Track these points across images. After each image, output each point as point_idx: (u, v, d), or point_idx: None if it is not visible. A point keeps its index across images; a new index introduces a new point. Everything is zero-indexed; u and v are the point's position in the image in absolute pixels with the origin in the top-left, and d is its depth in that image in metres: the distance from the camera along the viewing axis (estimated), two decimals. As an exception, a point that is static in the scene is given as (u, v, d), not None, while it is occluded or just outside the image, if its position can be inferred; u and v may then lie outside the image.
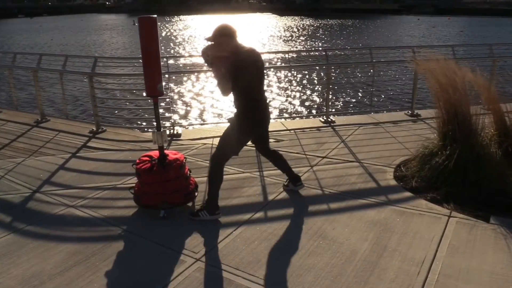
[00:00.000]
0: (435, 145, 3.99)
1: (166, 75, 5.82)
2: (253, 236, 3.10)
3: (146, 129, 7.15)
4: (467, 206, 3.41)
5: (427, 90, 9.68)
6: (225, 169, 3.35)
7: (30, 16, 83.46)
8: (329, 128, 5.78)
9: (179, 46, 28.98)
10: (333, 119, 6.14)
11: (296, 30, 43.29)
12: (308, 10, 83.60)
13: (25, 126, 6.12)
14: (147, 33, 3.19)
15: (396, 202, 3.56)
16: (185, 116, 10.52)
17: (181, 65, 15.57)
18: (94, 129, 5.86)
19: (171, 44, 30.52)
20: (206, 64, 3.30)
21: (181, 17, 75.15)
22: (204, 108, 11.23)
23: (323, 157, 4.63)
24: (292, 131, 5.60)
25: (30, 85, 8.11)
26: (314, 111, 10.59)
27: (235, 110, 3.27)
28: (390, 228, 3.15)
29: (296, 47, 28.15)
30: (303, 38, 34.09)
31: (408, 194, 3.71)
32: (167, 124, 6.14)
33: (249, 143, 3.50)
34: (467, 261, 2.74)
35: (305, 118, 7.38)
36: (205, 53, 3.20)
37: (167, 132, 5.66)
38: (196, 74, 11.75)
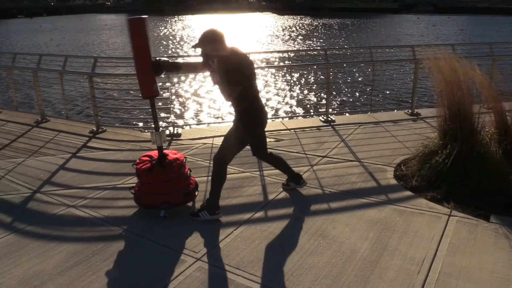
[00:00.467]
0: (435, 144, 3.98)
1: (167, 75, 5.81)
2: (253, 236, 3.10)
3: (146, 129, 7.15)
4: (467, 205, 3.41)
5: (427, 89, 9.69)
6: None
7: (30, 16, 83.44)
8: (329, 127, 5.78)
9: (179, 46, 28.98)
10: (333, 119, 6.14)
11: (295, 29, 43.28)
12: (307, 9, 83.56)
13: (25, 126, 6.12)
14: (137, 34, 3.13)
15: (396, 201, 3.56)
16: (185, 116, 10.52)
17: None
18: (94, 129, 5.86)
19: (171, 43, 30.51)
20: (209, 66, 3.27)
21: (181, 16, 75.11)
22: (204, 107, 11.23)
23: (323, 157, 4.63)
24: (292, 130, 5.60)
25: (30, 86, 8.09)
26: (314, 111, 10.59)
27: (234, 110, 3.28)
28: (390, 227, 3.15)
29: (296, 47, 28.15)
30: (303, 38, 34.08)
31: (408, 193, 3.71)
32: (167, 124, 6.14)
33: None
34: (468, 260, 2.74)
35: (305, 117, 7.38)
36: (210, 61, 3.17)
37: (167, 132, 5.67)
38: (196, 73, 11.73)
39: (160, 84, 3.85)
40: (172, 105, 6.02)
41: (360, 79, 12.02)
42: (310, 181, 4.00)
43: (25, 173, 4.36)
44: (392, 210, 3.41)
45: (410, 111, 6.42)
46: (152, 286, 2.59)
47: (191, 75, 14.37)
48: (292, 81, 13.20)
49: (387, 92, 11.51)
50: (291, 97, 11.50)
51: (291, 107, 9.90)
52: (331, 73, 6.40)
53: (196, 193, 3.59)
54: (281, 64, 13.20)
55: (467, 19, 55.47)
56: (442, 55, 4.05)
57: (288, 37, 34.92)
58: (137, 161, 3.47)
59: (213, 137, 5.40)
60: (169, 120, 6.09)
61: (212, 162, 3.37)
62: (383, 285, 2.52)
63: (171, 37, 35.54)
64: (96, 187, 4.01)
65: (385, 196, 3.66)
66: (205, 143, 5.21)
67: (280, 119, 7.27)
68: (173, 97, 5.89)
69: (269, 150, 3.71)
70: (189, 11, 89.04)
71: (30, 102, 10.06)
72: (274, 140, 5.16)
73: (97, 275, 2.69)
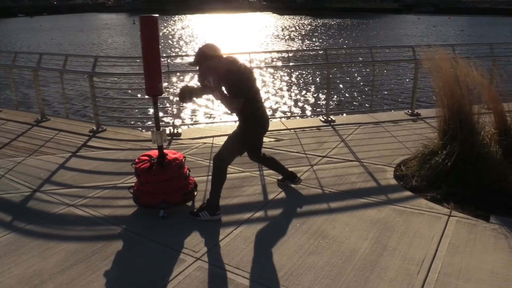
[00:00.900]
0: (435, 144, 3.99)
1: (167, 74, 5.81)
2: (253, 235, 3.10)
3: (146, 129, 7.15)
4: (467, 205, 3.41)
5: (427, 89, 9.69)
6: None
7: (30, 15, 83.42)
8: (329, 127, 5.78)
9: (179, 46, 28.97)
10: (333, 118, 6.14)
11: (296, 29, 43.27)
12: (308, 9, 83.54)
13: (26, 125, 6.12)
14: (148, 32, 3.19)
15: (396, 202, 3.56)
16: (185, 116, 10.51)
17: (181, 64, 15.56)
18: (94, 128, 5.86)
19: (171, 43, 30.51)
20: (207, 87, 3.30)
21: (181, 16, 75.11)
22: (204, 107, 11.22)
23: (323, 157, 4.63)
24: (292, 130, 5.60)
25: (30, 85, 8.10)
26: (314, 111, 10.59)
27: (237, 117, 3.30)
28: (390, 227, 3.15)
29: (296, 46, 28.15)
30: (303, 37, 34.08)
31: (408, 193, 3.71)
32: (167, 123, 6.14)
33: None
34: (467, 260, 2.74)
35: (305, 117, 7.38)
36: (207, 82, 3.20)
37: (167, 131, 5.67)
38: (196, 73, 11.72)
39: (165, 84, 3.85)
40: (172, 105, 6.02)
41: (360, 79, 12.01)
42: (310, 181, 4.00)
43: (25, 172, 4.36)
44: (392, 210, 3.41)
45: (410, 111, 6.41)
46: (151, 285, 2.59)
47: (191, 75, 14.36)
48: (292, 81, 13.20)
49: (387, 92, 11.50)
50: (291, 97, 11.50)
51: (291, 107, 9.89)
52: (331, 73, 6.39)
53: (195, 192, 3.59)
54: (281, 64, 13.21)
55: (467, 19, 55.48)
56: (441, 55, 4.05)
57: (289, 37, 34.92)
58: (136, 160, 3.47)
59: (213, 136, 5.40)
60: (169, 119, 6.09)
61: (212, 162, 3.38)
62: (383, 285, 2.53)
63: (170, 37, 35.53)
64: (96, 186, 4.01)
65: (385, 196, 3.66)
66: (205, 143, 5.21)
67: (280, 119, 7.29)
68: (173, 96, 5.88)
69: (262, 151, 3.72)
70: (189, 11, 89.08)
71: (30, 101, 10.07)
72: (274, 140, 5.16)
73: (97, 274, 2.69)
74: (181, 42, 31.12)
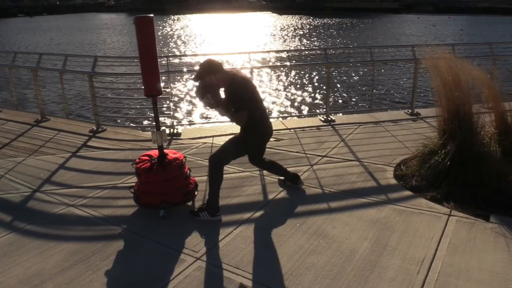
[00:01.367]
0: (435, 143, 3.99)
1: (166, 74, 5.81)
2: (253, 235, 3.10)
3: (146, 128, 7.15)
4: (467, 205, 3.41)
5: (427, 89, 9.69)
6: (225, 168, 3.36)
7: (30, 15, 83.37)
8: (329, 127, 5.78)
9: (179, 45, 28.97)
10: (333, 118, 6.14)
11: (296, 29, 43.26)
12: (308, 9, 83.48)
13: (25, 125, 6.12)
14: (144, 33, 3.18)
15: (396, 201, 3.56)
16: (185, 115, 10.51)
17: (181, 64, 15.56)
18: (94, 128, 5.86)
19: (171, 43, 30.50)
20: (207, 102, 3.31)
21: (181, 16, 75.09)
22: (204, 107, 11.21)
23: (323, 156, 4.63)
24: (292, 130, 5.60)
25: (30, 85, 8.09)
26: (314, 110, 10.58)
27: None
28: (390, 227, 3.16)
29: (296, 46, 28.14)
30: (303, 37, 34.07)
31: (408, 193, 3.71)
32: (167, 123, 6.14)
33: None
34: (467, 259, 2.74)
35: (305, 117, 7.38)
36: (206, 98, 3.22)
37: (167, 131, 5.66)
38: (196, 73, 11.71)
39: (162, 84, 3.86)
40: (172, 105, 6.02)
41: (359, 78, 12.02)
42: (310, 180, 4.00)
43: (25, 172, 4.36)
44: (391, 210, 3.42)
45: (410, 110, 6.42)
46: (151, 285, 2.59)
47: (192, 74, 14.36)
48: (292, 81, 13.21)
49: (387, 91, 11.51)
50: (291, 96, 11.50)
51: (291, 106, 9.90)
52: (331, 73, 6.39)
53: (196, 192, 3.59)
54: (282, 63, 13.19)
55: (467, 19, 55.45)
56: (440, 55, 4.05)
57: (288, 36, 34.91)
58: (137, 160, 3.47)
59: (213, 136, 5.40)
60: (169, 119, 6.09)
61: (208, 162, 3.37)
62: (383, 285, 2.53)
63: (168, 37, 35.51)
64: (96, 186, 4.02)
65: (385, 196, 3.66)
66: (205, 143, 5.21)
67: (280, 119, 7.28)
68: (174, 96, 5.88)
69: (265, 154, 3.73)
70: (189, 10, 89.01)
71: (30, 101, 10.06)
72: (274, 140, 5.16)
73: (97, 274, 2.69)
74: (182, 42, 31.12)
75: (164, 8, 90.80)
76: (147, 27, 3.18)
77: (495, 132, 3.97)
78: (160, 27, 46.81)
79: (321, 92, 12.23)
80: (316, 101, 11.58)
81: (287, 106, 11.01)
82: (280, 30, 42.06)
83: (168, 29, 45.59)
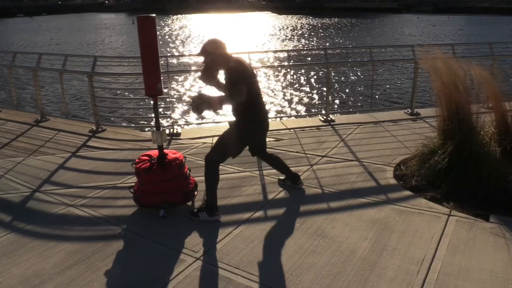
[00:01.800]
0: (435, 143, 3.99)
1: (166, 74, 5.81)
2: (252, 235, 3.10)
3: (146, 128, 7.14)
4: (467, 204, 3.41)
5: (427, 88, 9.69)
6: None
7: (30, 15, 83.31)
8: (329, 127, 5.78)
9: (179, 45, 28.96)
10: (333, 118, 6.14)
11: (295, 28, 43.24)
12: (308, 9, 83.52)
13: (25, 125, 6.12)
14: (146, 32, 3.20)
15: (396, 201, 3.56)
16: (185, 115, 10.50)
17: (181, 64, 15.57)
18: (94, 128, 5.86)
19: (171, 43, 30.49)
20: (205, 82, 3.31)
21: (181, 16, 75.07)
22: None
23: (323, 156, 4.63)
24: (292, 130, 5.60)
25: (29, 85, 8.09)
26: (313, 110, 10.58)
27: (235, 117, 3.28)
28: (390, 227, 3.16)
29: (296, 46, 28.13)
30: (303, 37, 34.07)
31: (408, 193, 3.71)
32: (167, 123, 6.14)
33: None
34: (467, 259, 2.74)
35: (305, 117, 7.38)
36: (209, 77, 3.21)
37: (167, 131, 5.66)
38: (196, 73, 11.73)
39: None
40: (172, 105, 6.02)
41: (358, 78, 12.01)
42: (309, 180, 4.00)
43: (24, 172, 4.36)
44: (391, 210, 3.42)
45: (409, 110, 6.42)
46: (151, 285, 2.59)
47: (191, 74, 14.37)
48: (292, 81, 13.20)
49: (387, 91, 11.51)
50: (291, 96, 11.50)
51: (291, 106, 9.90)
52: (331, 73, 6.39)
53: (196, 192, 3.59)
54: (282, 63, 13.20)
55: (467, 18, 55.48)
56: (439, 55, 4.05)
57: (288, 36, 34.90)
58: (137, 160, 3.47)
59: (212, 136, 5.40)
60: (169, 119, 6.09)
61: (204, 161, 3.35)
62: (383, 285, 2.53)
63: (171, 36, 35.50)
64: (96, 186, 4.01)
65: (385, 196, 3.66)
66: (205, 143, 5.21)
67: (280, 119, 7.29)
68: (173, 96, 5.88)
69: (268, 151, 3.72)
70: (189, 10, 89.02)
71: (29, 101, 10.05)
72: (274, 139, 5.16)
73: (97, 274, 2.69)
74: (182, 42, 31.10)
75: (164, 8, 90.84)
76: (149, 27, 3.18)
77: (495, 132, 3.97)
78: (160, 27, 46.80)
79: (321, 92, 12.23)
80: (316, 101, 11.58)
81: (287, 106, 11.01)
82: (280, 30, 42.06)
83: (169, 29, 45.57)
